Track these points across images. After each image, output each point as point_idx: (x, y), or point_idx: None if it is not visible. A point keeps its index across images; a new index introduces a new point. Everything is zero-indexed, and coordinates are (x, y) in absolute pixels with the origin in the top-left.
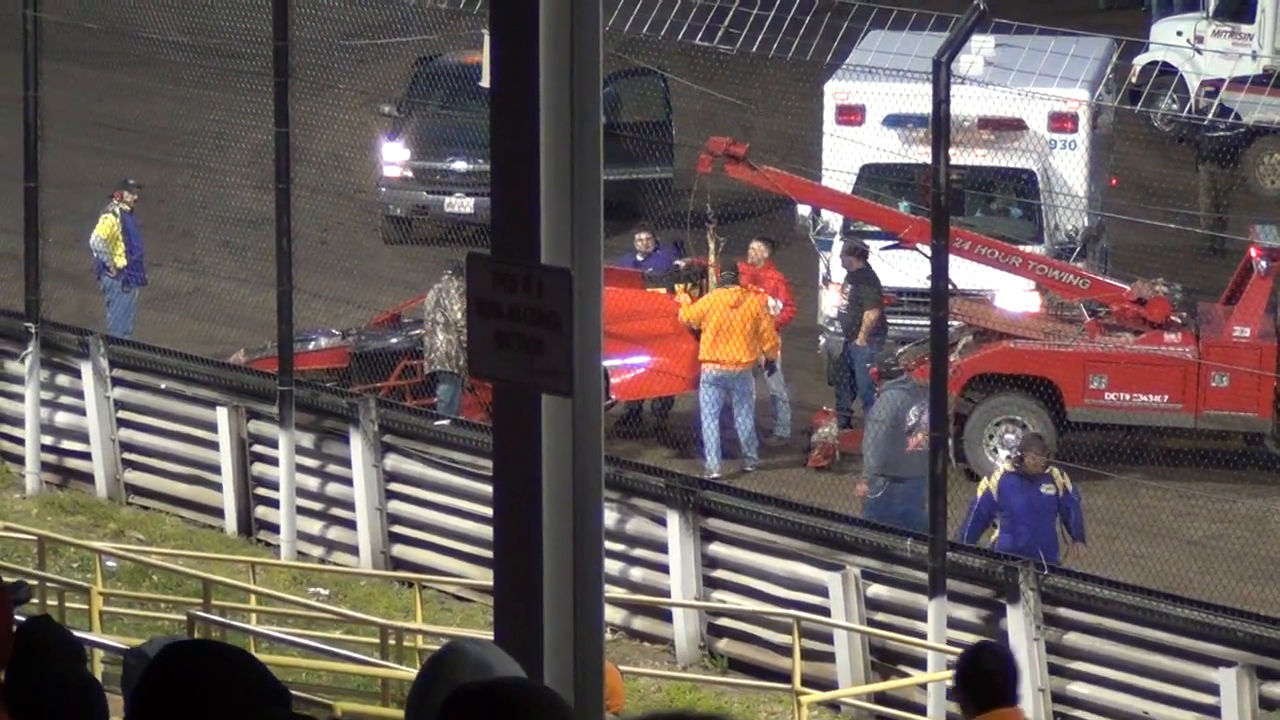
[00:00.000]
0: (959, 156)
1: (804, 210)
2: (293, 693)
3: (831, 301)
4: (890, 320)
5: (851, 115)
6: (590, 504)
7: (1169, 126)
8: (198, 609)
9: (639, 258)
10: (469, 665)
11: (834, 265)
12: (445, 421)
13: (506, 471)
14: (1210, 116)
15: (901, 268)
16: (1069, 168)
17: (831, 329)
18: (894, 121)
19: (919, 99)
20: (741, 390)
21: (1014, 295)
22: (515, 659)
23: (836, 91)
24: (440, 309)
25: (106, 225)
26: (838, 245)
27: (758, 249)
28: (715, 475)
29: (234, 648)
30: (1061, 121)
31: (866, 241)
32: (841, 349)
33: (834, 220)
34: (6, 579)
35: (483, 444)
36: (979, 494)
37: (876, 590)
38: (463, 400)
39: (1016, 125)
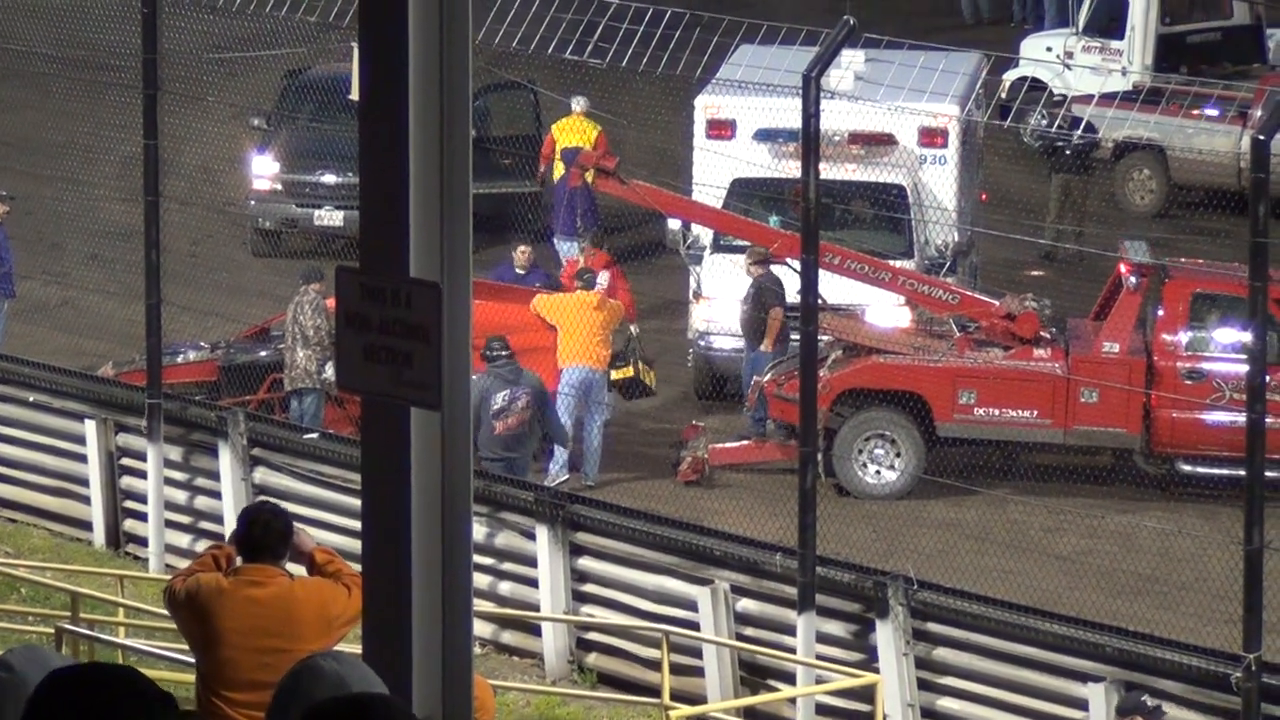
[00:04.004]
0: (829, 171)
1: (674, 224)
2: None
3: (702, 315)
4: None
5: (722, 129)
6: (459, 518)
7: (1038, 142)
8: (66, 622)
9: (519, 271)
10: (325, 681)
11: (704, 279)
12: (314, 435)
13: (375, 485)
14: (1058, 128)
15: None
16: (939, 183)
17: (702, 343)
18: (764, 136)
19: (789, 113)
20: (597, 395)
21: (885, 310)
22: (383, 673)
23: (708, 106)
24: (297, 324)
25: None
26: (708, 260)
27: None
28: (558, 483)
29: (118, 666)
30: (932, 137)
31: (728, 258)
32: (731, 358)
33: (704, 235)
34: None
35: (351, 458)
36: None
37: (745, 605)
38: (326, 413)
39: (886, 140)
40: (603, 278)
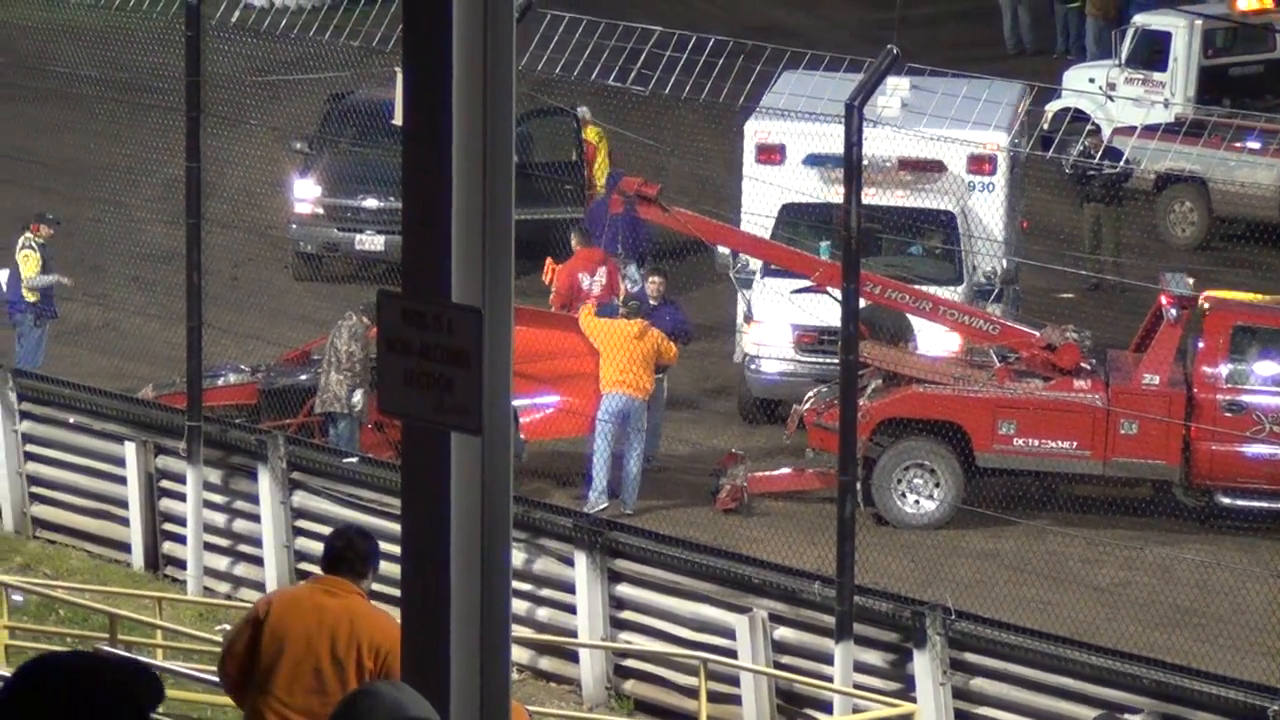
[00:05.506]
0: (878, 197)
1: (724, 250)
2: None
3: (752, 340)
4: (809, 360)
5: (771, 154)
6: (498, 543)
7: (1071, 171)
8: (104, 643)
9: (652, 303)
10: (384, 706)
11: (755, 302)
12: (354, 459)
13: (414, 510)
14: (1100, 159)
15: (813, 311)
16: (987, 210)
17: (752, 366)
18: (814, 161)
19: (838, 139)
20: (636, 423)
21: (935, 338)
22: (423, 697)
23: (757, 130)
24: (334, 348)
25: (34, 262)
26: (758, 283)
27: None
28: (596, 510)
29: (85, 654)
30: (980, 164)
31: (778, 282)
32: (779, 381)
33: (754, 260)
34: None
35: (391, 482)
36: None
37: (783, 633)
38: (362, 437)
39: (936, 167)
40: (600, 274)
